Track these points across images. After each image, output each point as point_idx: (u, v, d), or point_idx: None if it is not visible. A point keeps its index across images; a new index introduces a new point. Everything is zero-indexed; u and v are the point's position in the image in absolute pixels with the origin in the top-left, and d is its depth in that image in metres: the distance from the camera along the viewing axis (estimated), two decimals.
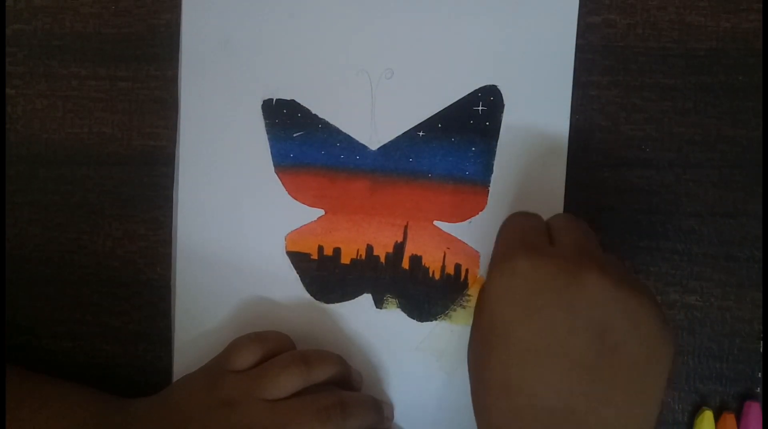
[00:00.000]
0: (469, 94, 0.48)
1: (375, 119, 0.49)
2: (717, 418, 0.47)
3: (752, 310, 0.47)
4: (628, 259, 0.48)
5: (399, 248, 0.49)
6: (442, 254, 0.48)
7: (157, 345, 0.51)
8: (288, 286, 0.49)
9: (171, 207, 0.50)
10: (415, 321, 0.49)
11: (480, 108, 0.48)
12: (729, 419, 0.47)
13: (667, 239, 0.48)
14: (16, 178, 0.51)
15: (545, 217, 0.42)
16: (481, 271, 0.48)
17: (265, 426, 0.42)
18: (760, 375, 0.47)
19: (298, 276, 0.49)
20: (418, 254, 0.49)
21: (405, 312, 0.49)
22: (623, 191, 0.48)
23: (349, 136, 0.49)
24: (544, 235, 0.40)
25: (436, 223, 0.48)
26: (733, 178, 0.47)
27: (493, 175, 0.48)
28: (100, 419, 0.45)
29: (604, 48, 0.48)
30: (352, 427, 0.44)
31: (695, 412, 0.47)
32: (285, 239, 0.49)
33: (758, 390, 0.47)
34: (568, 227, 0.40)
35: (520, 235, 0.40)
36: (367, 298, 0.49)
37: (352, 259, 0.49)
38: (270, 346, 0.46)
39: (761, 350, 0.47)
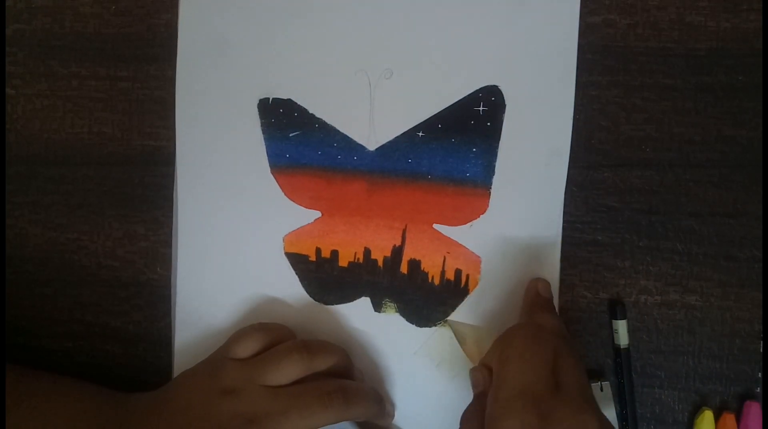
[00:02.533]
0: (469, 95, 0.48)
1: (373, 119, 0.48)
2: (717, 418, 0.47)
3: (752, 310, 0.47)
4: (629, 259, 0.48)
5: (397, 252, 0.48)
6: (442, 259, 0.48)
7: (157, 345, 0.51)
8: (287, 287, 0.49)
9: (171, 207, 0.50)
10: (414, 326, 0.49)
11: (481, 108, 0.48)
12: (729, 419, 0.47)
13: (667, 239, 0.48)
14: (16, 178, 0.51)
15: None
16: (482, 276, 0.48)
17: (267, 412, 0.42)
18: (760, 375, 0.47)
19: (297, 277, 0.49)
20: (417, 258, 0.48)
21: (404, 317, 0.49)
22: (623, 191, 0.48)
23: (346, 136, 0.49)
24: (548, 380, 0.39)
25: (435, 226, 0.48)
26: (733, 178, 0.47)
27: (494, 177, 0.48)
28: (101, 412, 0.46)
29: (604, 48, 0.47)
30: (353, 414, 0.44)
31: (695, 412, 0.47)
32: (283, 240, 0.49)
33: (758, 390, 0.47)
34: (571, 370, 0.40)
35: (521, 385, 0.39)
36: (366, 301, 0.49)
37: (349, 262, 0.49)
38: (272, 336, 0.46)
39: (761, 350, 0.47)
